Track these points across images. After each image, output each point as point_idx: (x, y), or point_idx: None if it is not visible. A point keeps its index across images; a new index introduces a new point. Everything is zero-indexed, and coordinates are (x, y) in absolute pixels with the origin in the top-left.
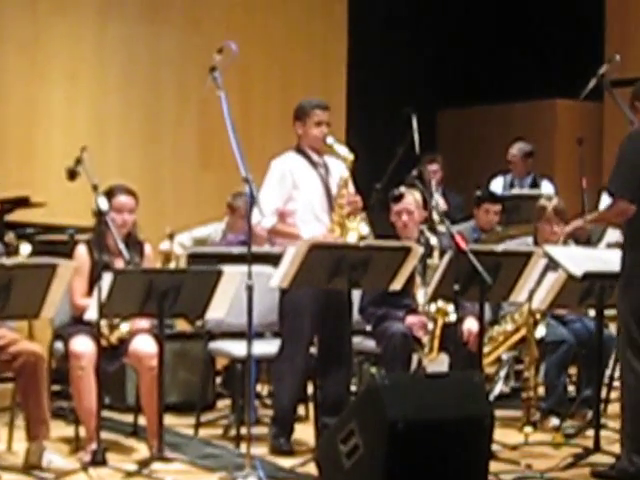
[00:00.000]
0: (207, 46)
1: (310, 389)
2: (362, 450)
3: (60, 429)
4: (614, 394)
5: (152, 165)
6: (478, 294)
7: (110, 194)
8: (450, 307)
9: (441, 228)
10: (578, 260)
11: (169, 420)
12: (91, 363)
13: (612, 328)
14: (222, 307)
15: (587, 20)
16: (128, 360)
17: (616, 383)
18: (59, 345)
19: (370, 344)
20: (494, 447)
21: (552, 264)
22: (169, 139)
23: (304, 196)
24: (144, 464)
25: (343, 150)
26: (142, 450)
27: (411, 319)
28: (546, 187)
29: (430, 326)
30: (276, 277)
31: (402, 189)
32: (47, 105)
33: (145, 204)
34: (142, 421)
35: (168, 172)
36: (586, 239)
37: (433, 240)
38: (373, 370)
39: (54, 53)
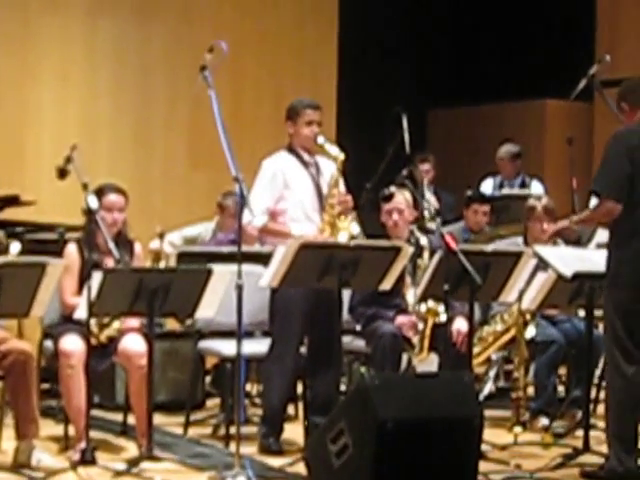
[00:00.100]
0: (197, 46)
1: (300, 388)
2: (351, 450)
3: (49, 428)
4: (604, 394)
5: (142, 164)
6: (468, 294)
7: (100, 193)
8: (440, 307)
9: (432, 225)
10: (568, 260)
11: (158, 419)
12: (81, 362)
13: (602, 328)
14: (212, 306)
15: (577, 20)
16: (117, 359)
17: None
18: (49, 344)
19: (360, 344)
20: (483, 447)
21: (542, 264)
22: (159, 138)
23: (295, 196)
24: (133, 463)
25: (334, 149)
26: (131, 449)
27: (401, 319)
28: (536, 187)
29: (420, 326)
30: (266, 276)
31: (392, 189)
32: (37, 104)
33: (135, 203)
34: (131, 420)
35: (158, 171)
36: (576, 239)
37: (423, 240)
38: (363, 370)
39: (44, 53)
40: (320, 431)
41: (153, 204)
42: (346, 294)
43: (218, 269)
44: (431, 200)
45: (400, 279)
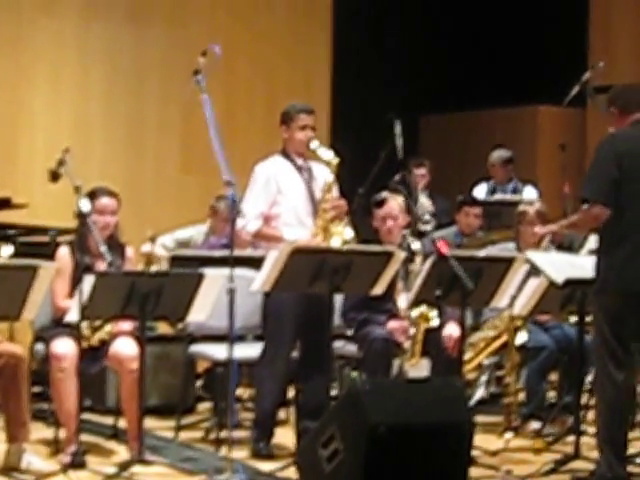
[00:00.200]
0: (190, 50)
1: (291, 393)
2: (342, 454)
3: (40, 431)
4: (594, 400)
5: (135, 167)
6: (460, 299)
7: (92, 196)
8: (432, 312)
9: (427, 227)
10: (560, 266)
11: (149, 423)
12: (72, 365)
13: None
14: (204, 310)
15: (571, 27)
16: (109, 362)
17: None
18: (40, 347)
19: (351, 349)
20: (474, 452)
21: (534, 270)
22: (152, 141)
23: (288, 200)
24: (124, 467)
25: (328, 154)
26: (122, 453)
27: (392, 324)
28: (529, 192)
29: (411, 331)
30: (257, 281)
31: (385, 194)
32: (30, 106)
33: (127, 206)
34: (122, 424)
35: (150, 174)
36: (568, 245)
37: (415, 245)
38: (354, 375)
39: (37, 55)
40: (311, 436)
41: (145, 207)
42: (338, 299)
43: (210, 273)
44: (426, 204)
45: (392, 284)
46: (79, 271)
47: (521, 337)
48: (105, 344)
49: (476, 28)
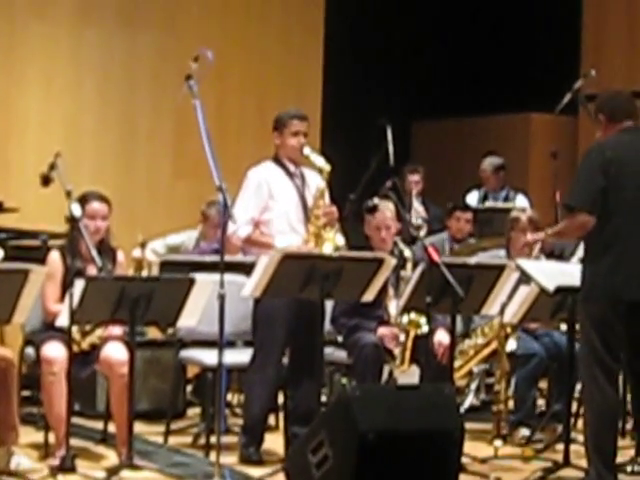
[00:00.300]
0: (183, 57)
1: (281, 399)
2: (332, 461)
3: (29, 435)
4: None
5: (126, 172)
6: (450, 306)
7: (83, 200)
8: (422, 319)
9: (419, 233)
10: (550, 274)
11: (139, 428)
12: (63, 369)
13: None
14: (194, 315)
15: (563, 34)
16: (99, 367)
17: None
18: (30, 351)
19: (341, 355)
20: (464, 460)
21: (524, 278)
22: (143, 147)
23: (280, 206)
24: (113, 471)
25: (320, 161)
26: (111, 457)
27: (382, 330)
28: (521, 201)
29: (402, 338)
30: (248, 287)
31: (376, 200)
32: (22, 110)
33: (119, 211)
34: (112, 428)
35: (142, 179)
36: (559, 253)
37: (407, 252)
38: (344, 381)
39: (30, 62)
40: (300, 442)
41: (136, 212)
42: (328, 305)
43: (201, 278)
44: (419, 210)
45: (383, 290)
46: (70, 275)
47: (511, 345)
48: (95, 348)
49: (469, 35)
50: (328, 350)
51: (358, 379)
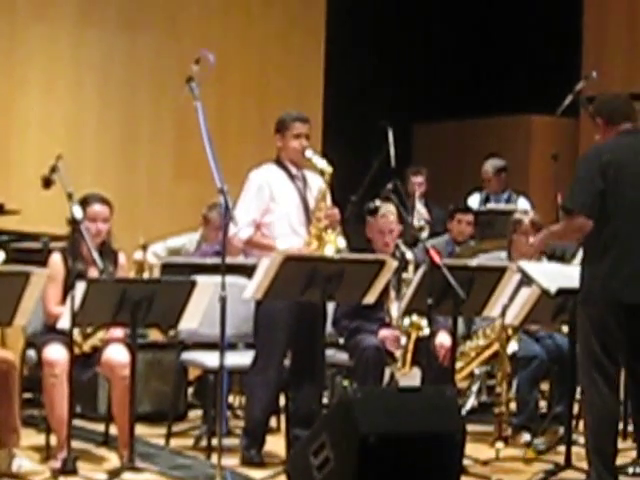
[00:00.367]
0: (183, 58)
1: (282, 401)
2: (333, 463)
3: (31, 437)
4: None
5: (127, 174)
6: (451, 308)
7: (84, 203)
8: (424, 321)
9: (421, 235)
10: (552, 276)
11: (140, 430)
12: (64, 371)
13: None
14: (195, 317)
15: (564, 36)
16: (100, 369)
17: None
18: (31, 353)
19: (343, 357)
20: (465, 462)
21: (526, 280)
22: (144, 149)
23: (281, 208)
24: (114, 474)
25: (322, 163)
26: (113, 460)
27: (384, 333)
28: (522, 203)
29: (403, 340)
30: (249, 289)
31: (377, 202)
32: (23, 112)
33: (120, 213)
34: (113, 430)
35: (143, 182)
36: (560, 256)
37: (409, 254)
38: (345, 383)
39: (31, 64)
40: (302, 444)
41: (138, 215)
42: (330, 307)
43: (202, 281)
44: (421, 212)
45: (384, 293)
46: (71, 278)
47: (512, 347)
48: (97, 351)
49: (470, 37)
50: (329, 352)
51: (359, 381)
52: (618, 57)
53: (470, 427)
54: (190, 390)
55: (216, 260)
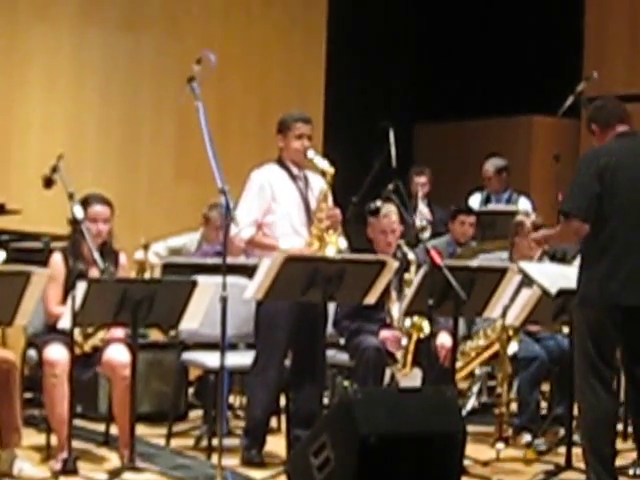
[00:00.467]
0: (185, 58)
1: (283, 401)
2: (333, 463)
3: (31, 437)
4: None
5: (128, 174)
6: (452, 309)
7: (85, 203)
8: (425, 322)
9: (423, 235)
10: (552, 277)
11: (141, 430)
12: (65, 371)
13: None
14: (196, 318)
15: (565, 37)
16: (101, 369)
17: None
18: (32, 353)
19: (343, 357)
20: (466, 462)
21: (526, 280)
22: (146, 149)
23: (282, 209)
24: (115, 474)
25: (324, 164)
26: (113, 460)
27: (385, 333)
28: (523, 204)
29: (404, 341)
30: (250, 289)
31: (378, 203)
32: (24, 112)
33: (121, 213)
34: (114, 430)
35: (144, 182)
36: (561, 257)
37: (410, 255)
38: (346, 384)
39: (32, 63)
40: (302, 444)
41: (139, 215)
42: (331, 307)
43: (203, 281)
44: (424, 212)
45: (385, 293)
46: (72, 277)
47: (512, 347)
48: (98, 351)
49: (471, 38)
50: (330, 353)
51: (360, 382)
52: (619, 58)
53: (470, 428)
54: (191, 390)
55: (217, 260)
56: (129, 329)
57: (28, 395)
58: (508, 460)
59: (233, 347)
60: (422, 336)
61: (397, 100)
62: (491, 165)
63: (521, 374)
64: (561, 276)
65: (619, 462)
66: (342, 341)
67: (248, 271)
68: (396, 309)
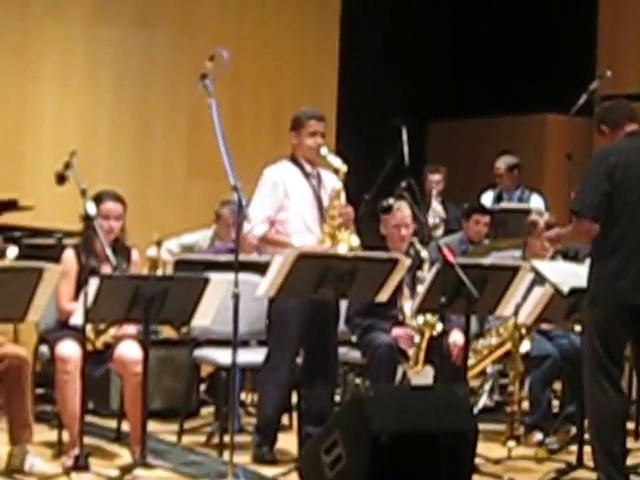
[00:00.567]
0: (198, 56)
1: (294, 399)
2: (345, 461)
3: (43, 433)
4: None
5: (141, 171)
6: (464, 307)
7: (98, 200)
8: (438, 320)
9: (437, 233)
10: (565, 275)
11: (152, 426)
12: (77, 368)
13: None
14: (208, 314)
15: (578, 35)
16: (113, 365)
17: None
18: (44, 349)
19: (355, 355)
20: (477, 461)
21: (539, 279)
22: (159, 146)
23: (295, 206)
24: (126, 470)
25: (337, 161)
26: (125, 456)
27: (397, 331)
28: (536, 201)
29: (417, 338)
30: (262, 286)
31: (391, 200)
32: (37, 108)
33: (133, 210)
34: (125, 427)
35: (157, 178)
36: (574, 255)
37: (424, 252)
38: (358, 381)
39: (45, 56)
40: (314, 441)
41: (151, 211)
42: (343, 305)
43: (215, 278)
44: (437, 210)
45: (398, 290)
46: (84, 274)
47: (525, 346)
48: (109, 347)
49: (485, 36)
50: (342, 350)
51: (372, 379)
52: (633, 56)
53: (482, 426)
54: (202, 387)
55: (229, 257)
56: (141, 326)
57: (40, 391)
58: (519, 458)
59: (245, 344)
60: (435, 334)
61: (410, 98)
62: (502, 162)
63: (533, 372)
64: (573, 275)
65: (630, 461)
66: (354, 338)
67: (260, 268)
68: (409, 307)
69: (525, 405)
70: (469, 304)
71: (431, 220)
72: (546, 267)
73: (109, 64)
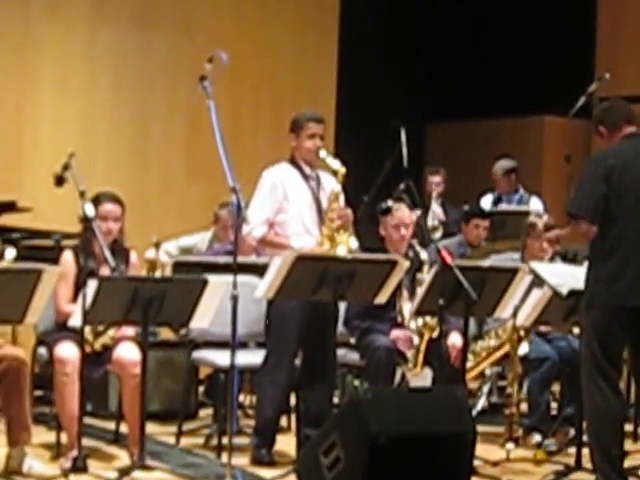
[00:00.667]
0: (197, 57)
1: (293, 400)
2: (343, 463)
3: (42, 435)
4: None
5: (140, 173)
6: (463, 309)
7: (96, 201)
8: (436, 322)
9: (436, 235)
10: (563, 278)
11: (151, 428)
12: (75, 369)
13: None
14: (206, 316)
15: (577, 37)
16: (111, 367)
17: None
18: (42, 350)
19: (354, 357)
20: (475, 463)
21: (537, 281)
22: (157, 147)
23: (294, 208)
24: (125, 472)
25: (335, 163)
26: (123, 458)
27: (396, 333)
28: (535, 204)
29: (416, 340)
30: (261, 288)
31: (390, 202)
32: (36, 109)
33: (132, 211)
34: (124, 429)
35: (156, 180)
36: (572, 257)
37: (423, 254)
38: (356, 383)
39: (44, 57)
40: (312, 443)
41: (150, 213)
42: (342, 307)
43: (213, 279)
44: (437, 212)
45: (396, 292)
46: (83, 275)
47: (523, 348)
48: (108, 349)
49: (482, 38)
50: (341, 352)
51: (370, 381)
52: (632, 59)
53: (480, 428)
54: (201, 389)
55: (228, 259)
56: (139, 327)
57: (38, 393)
58: (518, 460)
59: (243, 346)
60: (434, 336)
61: (409, 100)
62: (499, 167)
63: (531, 374)
64: (572, 277)
65: (629, 463)
66: (353, 340)
67: (259, 270)
68: (408, 309)
69: (524, 407)
70: (468, 306)
71: (430, 222)
72: (545, 269)
73: (108, 65)
